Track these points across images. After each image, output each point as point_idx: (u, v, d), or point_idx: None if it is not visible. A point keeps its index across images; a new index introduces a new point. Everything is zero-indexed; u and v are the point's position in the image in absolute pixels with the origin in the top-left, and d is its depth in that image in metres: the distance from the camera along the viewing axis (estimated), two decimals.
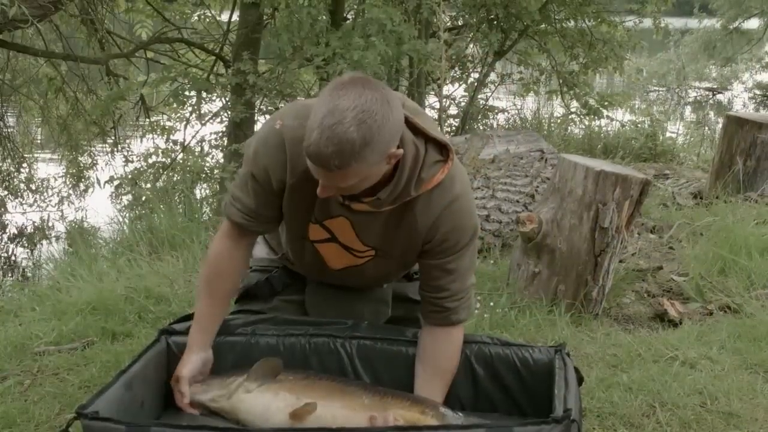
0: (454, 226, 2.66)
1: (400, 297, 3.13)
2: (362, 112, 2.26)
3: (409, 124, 2.50)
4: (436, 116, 9.40)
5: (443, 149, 2.61)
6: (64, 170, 11.30)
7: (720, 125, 9.08)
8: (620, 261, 5.05)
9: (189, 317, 3.02)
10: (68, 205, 10.88)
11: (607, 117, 10.24)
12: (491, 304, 4.56)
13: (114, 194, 9.03)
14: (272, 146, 2.64)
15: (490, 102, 10.97)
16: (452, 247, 2.69)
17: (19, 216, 10.43)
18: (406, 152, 2.48)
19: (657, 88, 21.42)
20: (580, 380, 2.77)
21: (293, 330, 2.95)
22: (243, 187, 2.75)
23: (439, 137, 2.61)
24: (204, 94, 8.68)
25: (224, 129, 9.12)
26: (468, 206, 2.71)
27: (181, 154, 9.25)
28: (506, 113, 11.31)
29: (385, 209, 2.60)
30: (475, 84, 9.98)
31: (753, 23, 24.28)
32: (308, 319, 3.04)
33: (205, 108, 9.41)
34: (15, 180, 10.96)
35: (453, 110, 10.27)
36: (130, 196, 8.43)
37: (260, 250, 3.17)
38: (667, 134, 11.22)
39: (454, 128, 9.76)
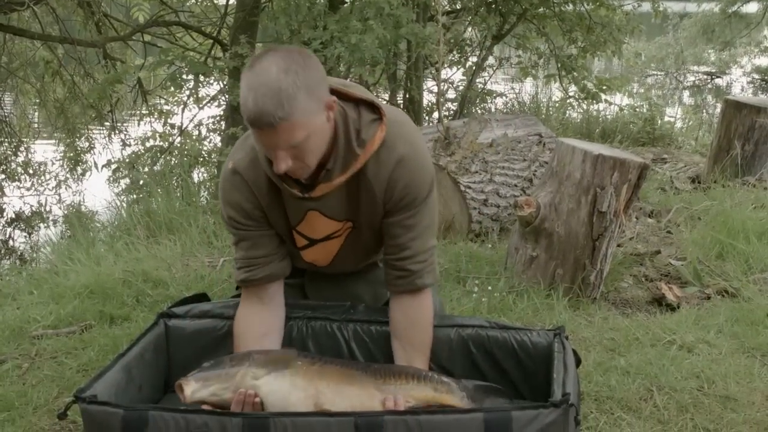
0: (409, 181, 2.70)
1: None
2: (283, 61, 2.40)
3: (336, 92, 2.62)
4: (434, 100, 9.40)
5: (375, 108, 2.69)
6: (62, 154, 11.30)
7: (718, 109, 9.08)
8: (618, 245, 5.05)
9: (187, 301, 3.07)
10: (66, 188, 10.87)
11: (606, 101, 10.20)
12: (489, 288, 4.56)
13: (111, 178, 9.00)
14: (233, 183, 2.76)
15: (489, 86, 10.93)
16: (411, 203, 2.73)
17: (16, 200, 10.43)
18: (337, 117, 2.59)
19: (655, 73, 21.39)
20: (577, 362, 2.77)
21: (290, 313, 2.96)
22: (234, 245, 2.89)
23: (367, 97, 2.70)
24: (201, 78, 8.64)
25: (222, 113, 9.09)
26: (419, 161, 2.74)
27: (179, 138, 9.23)
28: (504, 97, 11.28)
29: (339, 180, 2.65)
30: (474, 68, 9.94)
31: (752, 7, 24.15)
32: (306, 303, 3.06)
33: (202, 92, 9.38)
34: (12, 164, 10.97)
35: (451, 94, 10.25)
36: (127, 180, 8.41)
37: None
38: (666, 118, 11.20)
39: (452, 112, 9.73)
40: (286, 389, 2.55)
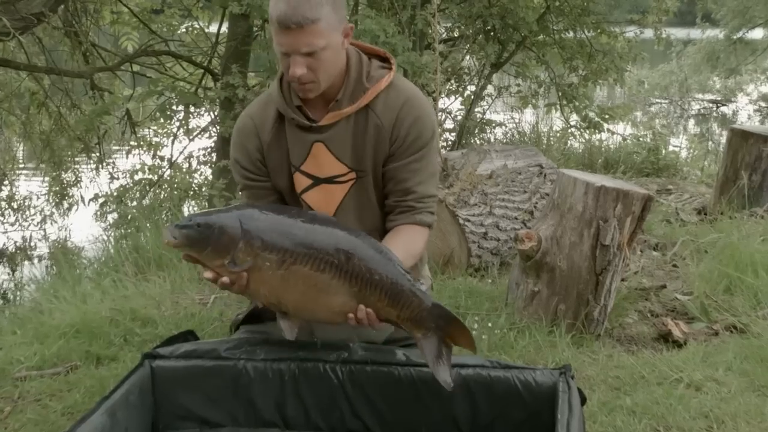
0: (416, 118, 2.94)
1: None
2: None
3: (352, 43, 2.95)
4: None
5: (385, 60, 3.03)
6: (47, 188, 11.32)
7: (724, 138, 9.01)
8: (622, 279, 5.00)
9: (175, 339, 3.05)
10: (51, 223, 10.95)
11: (608, 130, 10.25)
12: (489, 324, 4.51)
13: (99, 212, 9.02)
14: (241, 127, 3.07)
15: (487, 115, 11.00)
16: (416, 142, 2.96)
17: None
18: (350, 55, 2.91)
19: (659, 101, 21.60)
20: (582, 400, 2.72)
21: (283, 354, 2.92)
22: (239, 191, 3.33)
23: (378, 50, 3.06)
24: (192, 109, 8.67)
25: (213, 144, 9.13)
26: (425, 103, 3.02)
27: (169, 171, 9.24)
28: (504, 127, 11.34)
29: (347, 110, 2.91)
30: (472, 97, 9.99)
31: (757, 33, 24.43)
32: (297, 342, 2.95)
33: (193, 123, 9.43)
34: None
35: (449, 124, 10.25)
36: (115, 215, 8.40)
37: None
38: (670, 148, 11.29)
39: (450, 143, 9.72)
40: (252, 290, 2.70)
